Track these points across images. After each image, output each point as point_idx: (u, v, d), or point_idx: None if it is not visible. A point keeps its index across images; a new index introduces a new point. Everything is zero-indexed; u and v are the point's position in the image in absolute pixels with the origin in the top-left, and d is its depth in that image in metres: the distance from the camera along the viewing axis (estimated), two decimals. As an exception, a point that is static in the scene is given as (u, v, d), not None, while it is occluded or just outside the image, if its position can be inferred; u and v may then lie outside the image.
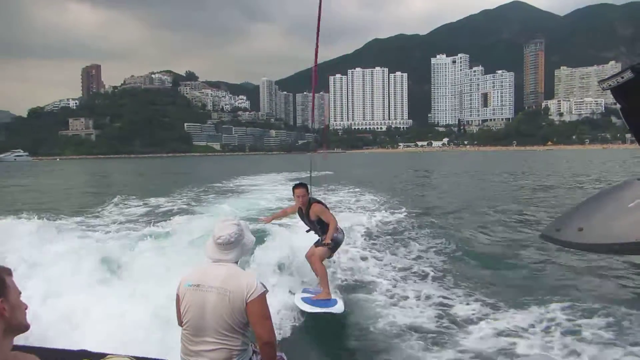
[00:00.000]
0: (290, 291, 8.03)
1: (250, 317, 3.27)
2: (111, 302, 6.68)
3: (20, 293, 1.92)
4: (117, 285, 7.72)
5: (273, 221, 8.95)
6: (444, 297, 8.34)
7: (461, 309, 7.70)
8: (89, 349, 3.17)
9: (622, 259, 10.80)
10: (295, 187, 7.85)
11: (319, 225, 7.66)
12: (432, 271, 10.08)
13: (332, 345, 6.73)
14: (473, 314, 7.48)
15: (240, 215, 19.95)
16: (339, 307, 7.21)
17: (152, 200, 22.94)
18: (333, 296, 7.54)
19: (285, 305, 7.44)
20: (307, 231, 8.03)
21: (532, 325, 6.99)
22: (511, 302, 7.91)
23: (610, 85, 1.15)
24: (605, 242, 1.00)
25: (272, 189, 29.31)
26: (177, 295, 3.40)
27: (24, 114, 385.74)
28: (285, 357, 3.76)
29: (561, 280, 9.48)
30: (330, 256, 7.97)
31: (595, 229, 1.04)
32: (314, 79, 7.13)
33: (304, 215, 7.75)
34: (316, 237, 7.94)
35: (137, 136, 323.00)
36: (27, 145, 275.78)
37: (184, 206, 21.00)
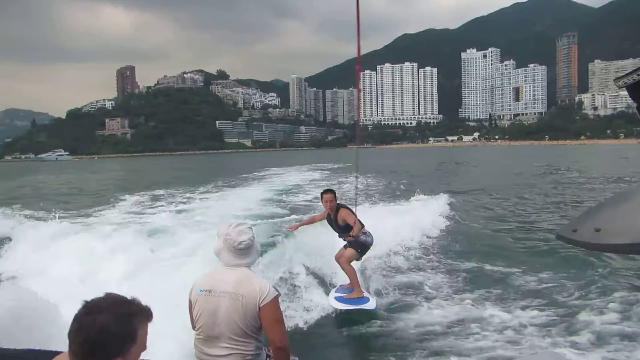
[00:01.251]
0: (324, 292, 8.29)
1: (263, 321, 3.26)
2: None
3: (145, 349, 1.80)
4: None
5: (300, 228, 9.02)
6: (472, 298, 8.56)
7: (489, 310, 7.82)
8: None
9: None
10: (323, 192, 8.06)
11: (348, 231, 7.78)
12: (461, 270, 10.32)
13: (359, 347, 6.87)
14: (497, 317, 7.58)
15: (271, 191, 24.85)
16: (371, 304, 7.40)
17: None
18: (365, 294, 7.74)
19: (319, 305, 7.76)
20: (339, 236, 8.11)
21: (544, 325, 7.29)
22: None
23: (625, 82, 1.12)
24: (623, 242, 0.97)
25: (299, 175, 35.42)
26: (190, 301, 3.41)
27: (63, 115, 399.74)
28: None
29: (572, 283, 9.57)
30: (359, 259, 8.10)
31: (613, 229, 1.02)
32: (358, 75, 6.82)
33: (332, 220, 7.96)
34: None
35: (170, 134, 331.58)
36: (67, 145, 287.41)
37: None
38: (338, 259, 8.03)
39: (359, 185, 25.03)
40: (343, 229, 7.84)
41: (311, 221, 8.71)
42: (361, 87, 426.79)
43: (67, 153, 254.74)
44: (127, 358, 1.72)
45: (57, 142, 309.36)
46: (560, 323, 7.29)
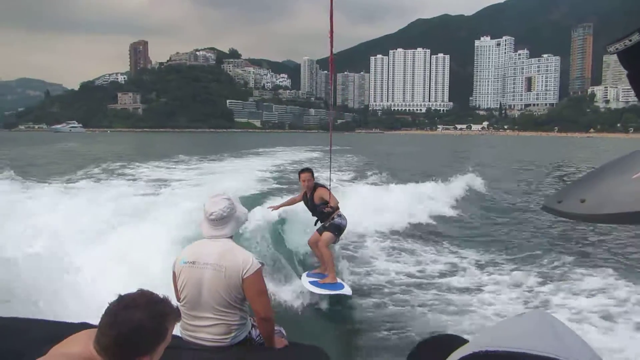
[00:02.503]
0: (296, 274, 8.25)
1: (247, 292, 3.29)
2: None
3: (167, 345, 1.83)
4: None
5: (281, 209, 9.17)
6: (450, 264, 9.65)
7: (469, 281, 8.66)
8: (89, 322, 3.20)
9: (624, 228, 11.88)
10: (300, 172, 8.16)
11: (322, 207, 7.90)
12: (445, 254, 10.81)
13: (332, 326, 6.99)
14: (479, 285, 8.38)
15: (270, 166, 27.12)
16: (347, 290, 7.44)
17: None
18: (339, 281, 7.73)
19: (293, 286, 7.78)
20: (315, 223, 8.20)
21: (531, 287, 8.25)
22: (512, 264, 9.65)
23: (617, 49, 1.08)
24: (608, 212, 0.99)
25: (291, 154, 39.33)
26: (174, 273, 3.43)
27: (75, 87, 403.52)
28: (284, 331, 3.77)
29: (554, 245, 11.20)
30: (335, 242, 8.15)
31: (598, 199, 1.05)
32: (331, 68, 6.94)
33: (309, 200, 8.03)
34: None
35: (181, 111, 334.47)
36: (79, 117, 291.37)
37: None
38: (313, 243, 8.12)
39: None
40: (318, 208, 7.92)
41: (291, 202, 8.72)
42: (372, 71, 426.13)
43: (81, 125, 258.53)
44: (154, 356, 1.75)
45: (69, 113, 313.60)
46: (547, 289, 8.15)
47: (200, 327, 3.29)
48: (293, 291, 7.52)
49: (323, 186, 8.12)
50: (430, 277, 8.99)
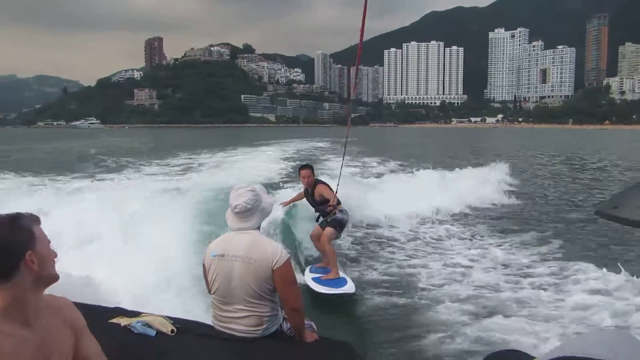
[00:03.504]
0: (299, 268, 8.19)
1: (277, 284, 3.29)
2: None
3: (49, 242, 1.86)
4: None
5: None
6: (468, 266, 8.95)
7: (482, 281, 8.09)
8: (123, 307, 3.29)
9: None
10: (300, 168, 8.17)
11: (324, 205, 7.90)
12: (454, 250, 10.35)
13: (340, 321, 6.82)
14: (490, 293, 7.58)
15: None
16: (350, 287, 7.31)
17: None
18: (341, 275, 7.67)
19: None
20: (317, 219, 8.21)
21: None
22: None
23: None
24: None
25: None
26: (204, 265, 3.46)
27: (91, 83, 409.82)
28: (314, 326, 3.77)
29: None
30: (337, 237, 8.14)
31: None
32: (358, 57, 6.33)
33: (310, 196, 8.06)
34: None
35: (196, 107, 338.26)
36: (97, 114, 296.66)
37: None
38: (315, 237, 8.14)
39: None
40: (319, 204, 7.94)
41: (300, 197, 8.68)
42: (386, 65, 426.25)
43: (99, 122, 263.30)
44: (36, 251, 1.76)
45: (87, 110, 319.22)
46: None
47: (232, 319, 3.33)
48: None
49: (323, 183, 8.14)
50: (463, 270, 8.74)
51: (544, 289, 7.71)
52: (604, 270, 8.23)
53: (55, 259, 1.88)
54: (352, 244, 10.37)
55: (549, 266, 8.98)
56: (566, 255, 9.66)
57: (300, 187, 9.18)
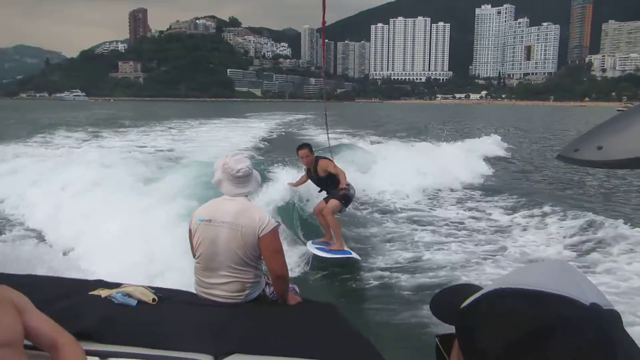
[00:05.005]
0: (301, 240, 8.22)
1: (263, 251, 3.31)
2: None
3: None
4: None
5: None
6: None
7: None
8: (104, 279, 3.26)
9: None
10: (298, 149, 7.86)
11: (329, 181, 7.64)
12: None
13: (344, 286, 6.85)
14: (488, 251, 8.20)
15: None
16: (355, 255, 7.33)
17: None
18: (345, 248, 7.56)
19: (299, 252, 7.65)
20: (320, 191, 8.02)
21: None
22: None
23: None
24: (625, 157, 1.00)
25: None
26: (190, 230, 3.46)
27: (73, 55, 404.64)
28: (297, 289, 3.81)
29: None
30: (342, 211, 7.95)
31: (615, 146, 1.04)
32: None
33: (313, 174, 7.83)
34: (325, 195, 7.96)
35: (182, 80, 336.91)
36: (80, 86, 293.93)
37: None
38: (318, 212, 7.93)
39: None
40: (325, 180, 7.74)
41: (303, 181, 8.54)
42: (373, 40, 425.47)
43: (84, 94, 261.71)
44: None
45: (70, 82, 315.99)
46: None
47: (215, 285, 3.33)
48: (299, 256, 7.51)
49: (325, 158, 7.98)
50: (445, 236, 9.18)
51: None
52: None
53: None
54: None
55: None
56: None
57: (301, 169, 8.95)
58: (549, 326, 0.56)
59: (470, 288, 0.81)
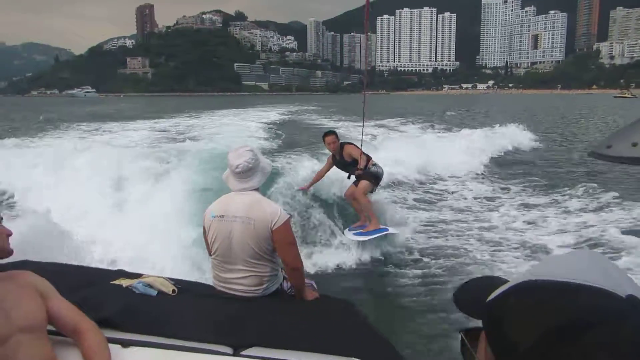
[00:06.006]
0: (340, 230, 8.13)
1: (276, 244, 3.32)
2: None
3: (1, 219, 1.97)
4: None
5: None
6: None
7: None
8: (125, 269, 3.33)
9: None
10: (325, 135, 7.95)
11: (356, 164, 7.64)
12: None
13: (371, 286, 6.82)
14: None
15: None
16: (393, 230, 7.42)
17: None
18: (382, 226, 7.60)
19: (339, 243, 7.74)
20: (349, 177, 7.99)
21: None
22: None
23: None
24: None
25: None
26: (204, 227, 3.49)
27: (81, 51, 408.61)
28: (315, 285, 3.80)
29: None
30: (372, 190, 7.88)
31: None
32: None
33: (339, 160, 7.85)
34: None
35: (190, 75, 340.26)
36: (90, 82, 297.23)
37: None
38: (349, 195, 7.99)
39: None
40: (351, 165, 7.75)
41: (319, 177, 8.37)
42: (379, 32, 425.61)
43: (94, 90, 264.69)
44: None
45: (80, 78, 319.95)
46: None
47: (232, 279, 3.37)
48: (337, 252, 7.56)
49: (350, 143, 8.02)
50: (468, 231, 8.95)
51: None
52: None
53: (10, 236, 1.99)
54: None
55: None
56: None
57: (321, 159, 9.21)
58: (584, 319, 0.63)
59: (494, 280, 0.81)
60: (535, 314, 0.66)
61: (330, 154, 8.04)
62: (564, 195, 11.42)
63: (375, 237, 7.42)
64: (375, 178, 7.70)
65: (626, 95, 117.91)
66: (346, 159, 7.75)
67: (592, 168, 14.78)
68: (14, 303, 1.84)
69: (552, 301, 0.64)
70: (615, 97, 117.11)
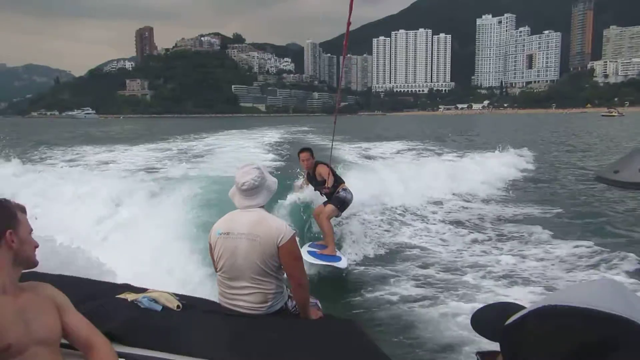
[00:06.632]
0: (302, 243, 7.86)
1: (283, 260, 3.33)
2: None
3: (31, 230, 2.01)
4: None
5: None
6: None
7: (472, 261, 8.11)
8: (131, 284, 3.38)
9: None
10: (299, 152, 8.13)
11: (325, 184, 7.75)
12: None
13: (344, 301, 6.73)
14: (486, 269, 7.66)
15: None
16: (342, 263, 7.32)
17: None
18: (338, 254, 7.63)
19: None
20: (321, 193, 8.15)
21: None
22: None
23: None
24: None
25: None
26: (210, 244, 3.50)
27: (81, 72, 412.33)
28: (319, 304, 3.81)
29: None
30: (338, 215, 8.00)
31: None
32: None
33: (312, 177, 8.09)
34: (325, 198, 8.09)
35: (188, 97, 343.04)
36: (90, 104, 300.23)
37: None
38: (317, 215, 8.06)
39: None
40: (321, 184, 7.91)
41: (300, 187, 8.88)
42: (375, 53, 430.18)
43: (94, 112, 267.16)
44: (18, 232, 1.94)
45: (80, 100, 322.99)
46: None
47: (237, 295, 3.38)
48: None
49: (323, 163, 8.10)
50: (463, 257, 8.64)
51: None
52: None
53: (37, 248, 2.01)
54: (358, 223, 9.95)
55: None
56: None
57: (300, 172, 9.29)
58: (604, 345, 0.63)
59: (512, 306, 0.84)
60: (556, 338, 0.65)
61: (305, 170, 8.32)
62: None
63: (322, 264, 7.41)
64: (341, 204, 7.82)
65: (613, 114, 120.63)
66: (318, 178, 7.97)
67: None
68: (34, 315, 1.88)
69: (573, 327, 0.65)
70: (603, 115, 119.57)
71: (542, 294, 6.41)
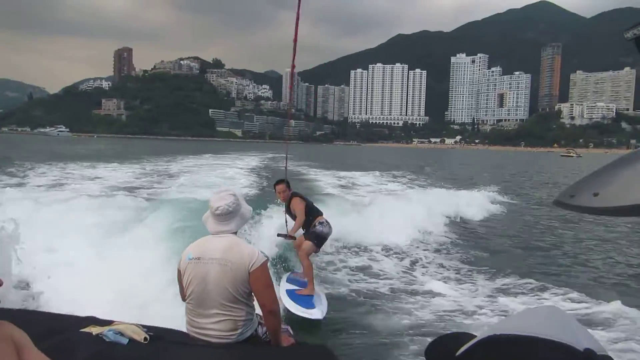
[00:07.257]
0: (277, 275, 7.97)
1: (253, 286, 3.29)
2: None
3: None
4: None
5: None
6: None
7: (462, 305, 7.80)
8: (96, 316, 3.26)
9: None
10: (275, 184, 7.82)
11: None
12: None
13: (337, 328, 6.77)
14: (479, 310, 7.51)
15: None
16: (317, 313, 6.81)
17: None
18: (317, 292, 7.34)
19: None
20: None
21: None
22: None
23: (635, 34, 1.08)
24: (621, 204, 0.98)
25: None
26: (179, 270, 3.41)
27: (56, 89, 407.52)
28: (290, 330, 3.76)
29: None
30: (316, 251, 7.77)
31: (611, 193, 1.03)
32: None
33: (287, 209, 7.77)
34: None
35: (164, 119, 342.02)
36: (63, 122, 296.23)
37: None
38: (297, 246, 7.83)
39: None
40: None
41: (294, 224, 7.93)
42: (352, 85, 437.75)
43: (68, 130, 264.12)
44: None
45: (53, 117, 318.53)
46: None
47: (207, 324, 3.31)
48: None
49: (299, 196, 7.74)
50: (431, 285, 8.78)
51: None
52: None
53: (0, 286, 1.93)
54: (332, 255, 10.02)
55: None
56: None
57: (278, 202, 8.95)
58: None
59: (464, 336, 0.94)
60: None
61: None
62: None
63: (299, 314, 6.76)
64: (318, 239, 7.45)
65: (571, 154, 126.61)
66: (291, 211, 7.64)
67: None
68: None
69: (515, 355, 0.66)
70: (562, 155, 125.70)
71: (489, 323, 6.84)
